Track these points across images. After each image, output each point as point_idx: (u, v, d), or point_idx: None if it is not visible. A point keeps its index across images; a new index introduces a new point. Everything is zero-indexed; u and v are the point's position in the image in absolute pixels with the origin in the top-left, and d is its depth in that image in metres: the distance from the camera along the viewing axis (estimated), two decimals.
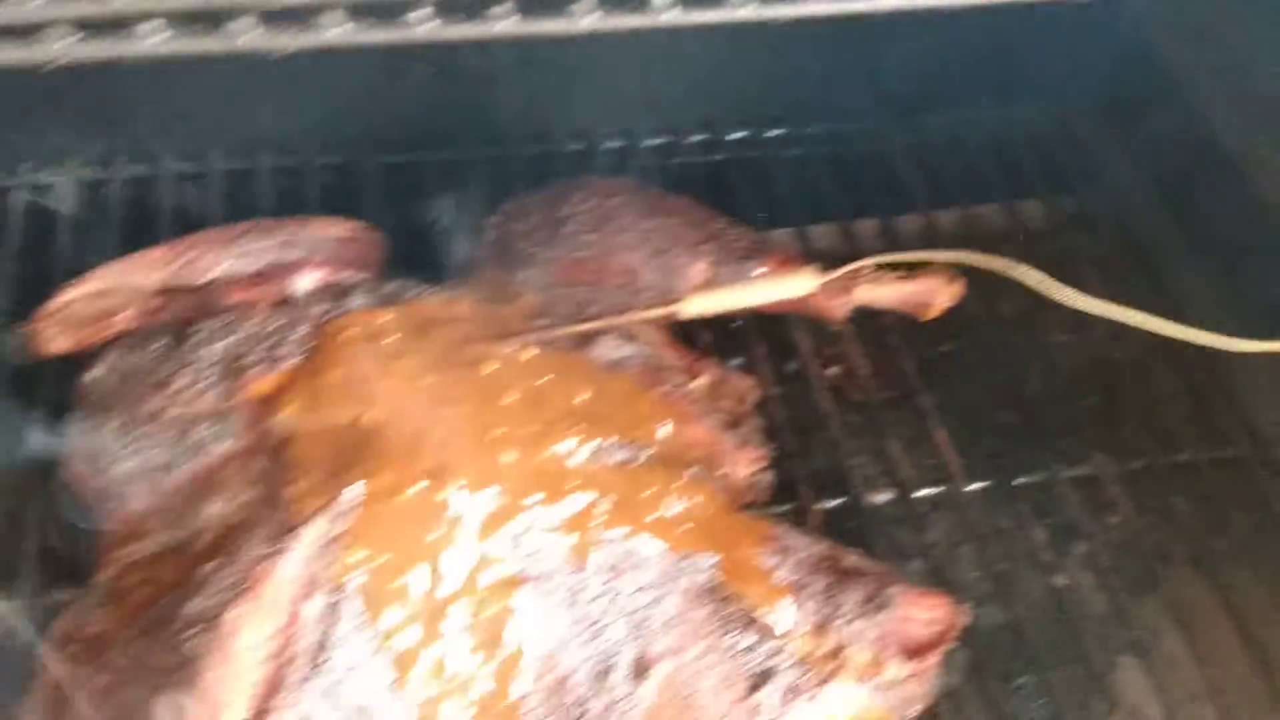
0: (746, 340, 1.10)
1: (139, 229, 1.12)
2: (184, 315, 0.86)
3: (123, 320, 0.86)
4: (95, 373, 0.84)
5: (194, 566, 0.73)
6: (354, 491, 0.64)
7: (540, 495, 0.76)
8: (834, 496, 1.01)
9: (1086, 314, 1.16)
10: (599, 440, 0.81)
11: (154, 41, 0.58)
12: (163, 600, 0.73)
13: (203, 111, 1.18)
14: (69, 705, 0.72)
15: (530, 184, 1.18)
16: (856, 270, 0.82)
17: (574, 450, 0.79)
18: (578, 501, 0.77)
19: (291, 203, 1.16)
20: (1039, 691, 0.95)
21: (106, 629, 0.75)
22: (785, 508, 0.98)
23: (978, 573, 1.01)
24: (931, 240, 1.26)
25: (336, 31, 0.61)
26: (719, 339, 1.08)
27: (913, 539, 1.01)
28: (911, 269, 1.06)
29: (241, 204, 1.15)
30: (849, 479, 1.02)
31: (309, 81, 1.12)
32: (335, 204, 1.15)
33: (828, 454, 1.04)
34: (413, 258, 1.06)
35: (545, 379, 0.82)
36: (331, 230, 1.00)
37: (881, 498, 1.02)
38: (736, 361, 1.06)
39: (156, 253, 0.92)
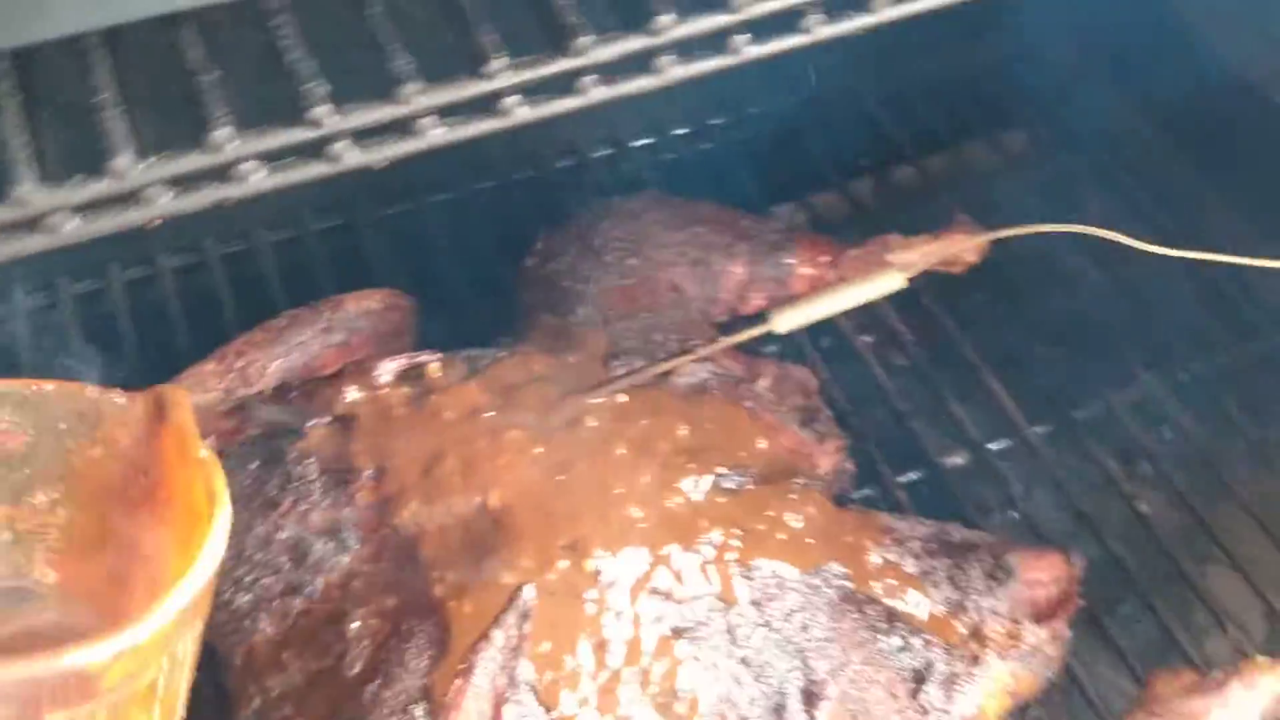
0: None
1: (147, 331, 1.09)
2: (265, 431, 0.83)
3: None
4: None
5: (352, 690, 0.72)
6: (529, 594, 0.63)
7: (675, 545, 0.76)
8: (913, 469, 1.02)
9: (1100, 239, 1.20)
10: (710, 474, 0.81)
11: (257, 179, 0.57)
12: None
13: None
14: None
15: (531, 211, 1.17)
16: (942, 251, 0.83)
17: (692, 490, 0.79)
18: (711, 541, 0.77)
19: (298, 273, 1.13)
20: (1142, 615, 0.98)
21: None
22: (869, 490, 1.00)
23: (1059, 513, 1.03)
24: (928, 186, 1.27)
25: (435, 133, 0.59)
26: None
27: (994, 492, 1.03)
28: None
29: (247, 284, 1.12)
30: (921, 447, 1.04)
31: None
32: (343, 266, 1.13)
33: (894, 424, 1.05)
34: (441, 307, 1.05)
35: (642, 422, 0.82)
36: (365, 304, 0.97)
37: (956, 460, 1.04)
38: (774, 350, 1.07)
39: (207, 367, 0.89)
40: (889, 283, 0.86)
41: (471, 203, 1.21)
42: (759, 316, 0.91)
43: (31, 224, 0.53)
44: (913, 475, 1.02)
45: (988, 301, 1.15)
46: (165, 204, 0.57)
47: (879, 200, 1.27)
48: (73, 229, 0.55)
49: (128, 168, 0.54)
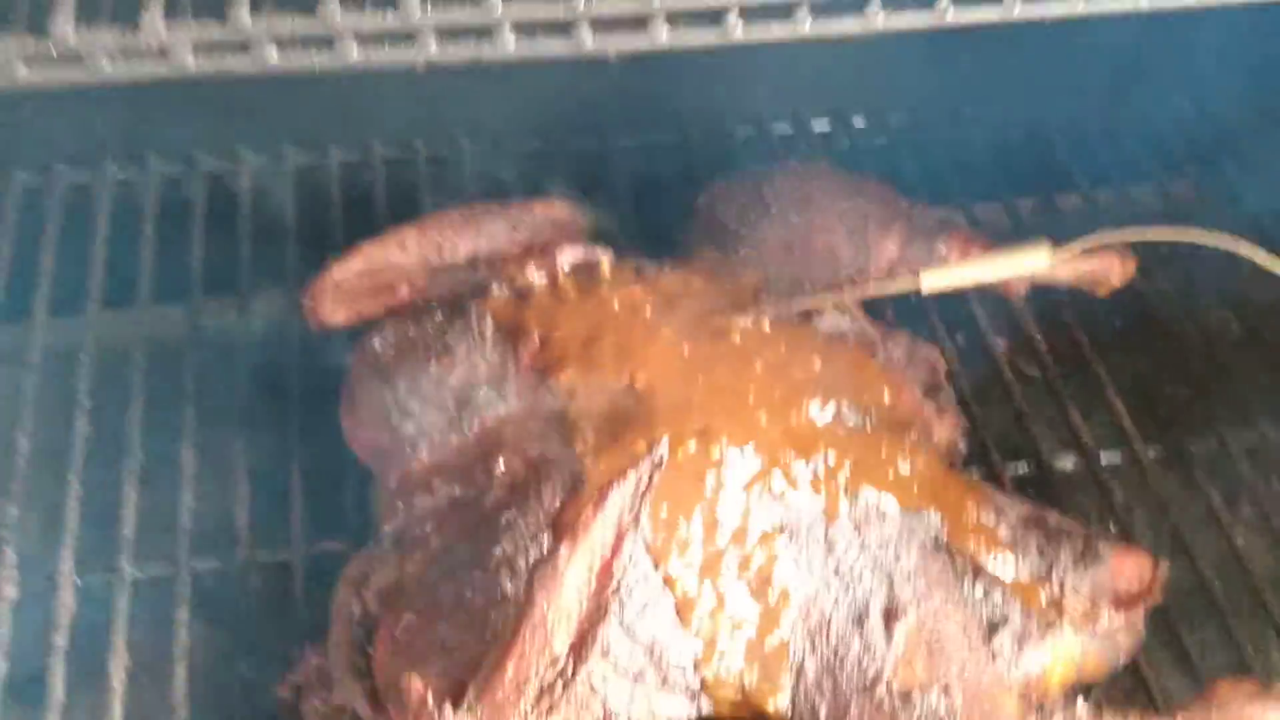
0: (926, 315, 1.17)
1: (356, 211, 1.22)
2: (452, 291, 0.94)
3: (401, 295, 0.94)
4: (377, 342, 0.92)
5: (488, 516, 0.82)
6: (661, 450, 0.71)
7: (793, 455, 0.84)
8: (1022, 463, 1.08)
9: (1243, 294, 1.23)
10: (836, 405, 0.88)
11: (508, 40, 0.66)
12: (459, 546, 0.82)
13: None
14: (380, 646, 0.81)
15: (704, 166, 1.26)
16: (1088, 245, 0.89)
17: (817, 414, 0.87)
18: (825, 460, 0.85)
19: (492, 184, 1.24)
20: (1222, 643, 1.01)
21: (403, 574, 0.84)
22: (976, 473, 1.05)
23: (1155, 532, 1.07)
24: (1090, 214, 1.31)
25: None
26: (900, 313, 1.15)
27: (1096, 500, 1.07)
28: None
29: (446, 186, 1.24)
30: (1035, 446, 1.09)
31: (506, 76, 1.20)
32: (531, 184, 1.23)
33: (1013, 421, 1.11)
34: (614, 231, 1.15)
35: (783, 349, 0.90)
36: (550, 211, 1.08)
37: (1065, 464, 1.09)
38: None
39: (409, 235, 1.00)
40: (1035, 259, 0.91)
41: (653, 150, 1.31)
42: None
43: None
44: (1021, 469, 1.07)
45: (1126, 328, 1.20)
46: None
47: (1039, 219, 1.31)
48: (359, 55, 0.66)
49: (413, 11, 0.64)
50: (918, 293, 0.93)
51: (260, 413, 1.06)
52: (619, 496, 0.71)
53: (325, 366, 1.03)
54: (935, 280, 0.92)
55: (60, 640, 0.92)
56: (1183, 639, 0.98)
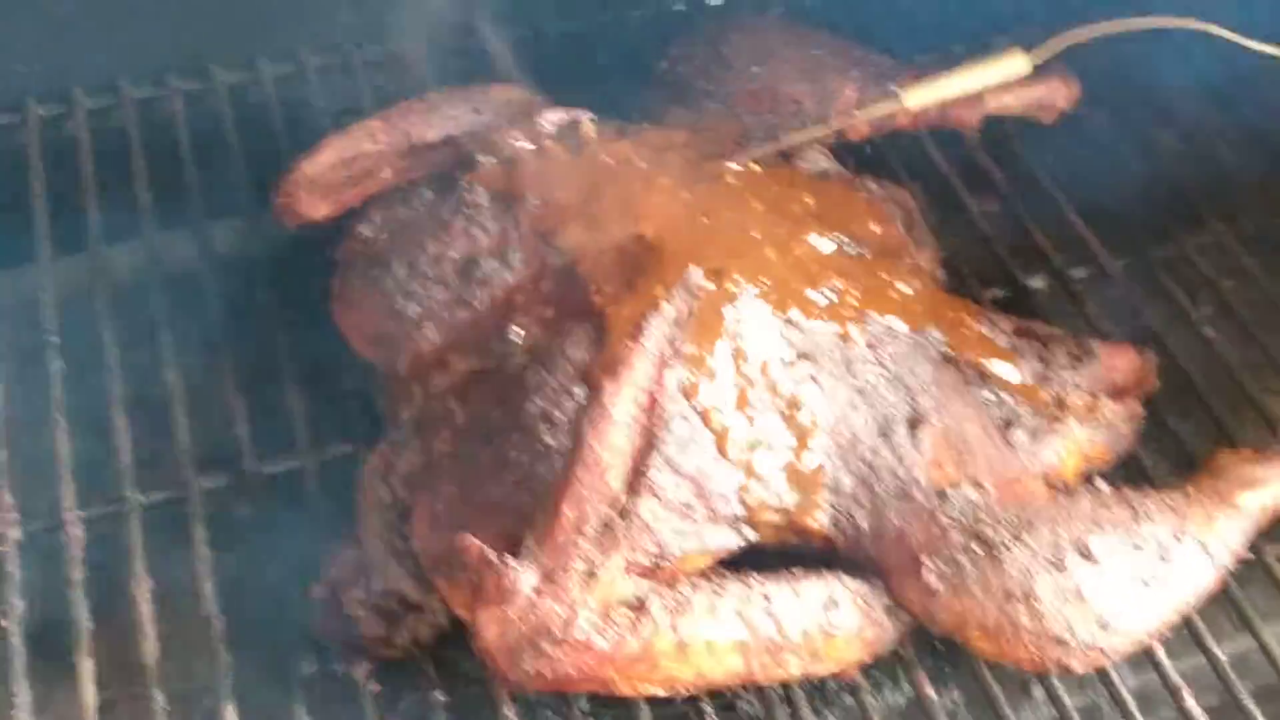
0: (887, 163, 1.19)
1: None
2: (437, 169, 0.92)
3: (385, 179, 0.92)
4: (367, 228, 0.90)
5: (515, 380, 0.81)
6: (695, 275, 0.71)
7: (804, 285, 0.85)
8: (997, 286, 1.11)
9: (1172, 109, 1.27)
10: (834, 237, 0.90)
11: None
12: (489, 413, 0.82)
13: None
14: (419, 524, 0.80)
15: (646, 45, 1.25)
16: (1062, 45, 0.91)
17: (819, 245, 0.88)
18: (834, 288, 0.86)
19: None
20: (1209, 427, 1.04)
21: (432, 454, 0.83)
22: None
23: (1132, 334, 1.10)
24: None
25: None
26: (861, 162, 1.17)
27: (1071, 312, 1.10)
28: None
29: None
30: (1006, 269, 1.12)
31: None
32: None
33: (983, 250, 1.14)
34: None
35: (776, 188, 0.91)
36: (509, 94, 1.07)
37: (1037, 283, 1.12)
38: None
39: (374, 123, 0.98)
40: (1013, 65, 0.93)
41: (593, 33, 1.29)
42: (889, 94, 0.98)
43: None
44: (997, 291, 1.10)
45: (1075, 151, 1.23)
46: None
47: None
48: None
49: None
50: (903, 111, 0.94)
51: (239, 328, 1.03)
52: (656, 327, 0.71)
53: (301, 271, 1.01)
54: (918, 96, 0.94)
55: (77, 574, 0.90)
56: (1171, 426, 1.03)
